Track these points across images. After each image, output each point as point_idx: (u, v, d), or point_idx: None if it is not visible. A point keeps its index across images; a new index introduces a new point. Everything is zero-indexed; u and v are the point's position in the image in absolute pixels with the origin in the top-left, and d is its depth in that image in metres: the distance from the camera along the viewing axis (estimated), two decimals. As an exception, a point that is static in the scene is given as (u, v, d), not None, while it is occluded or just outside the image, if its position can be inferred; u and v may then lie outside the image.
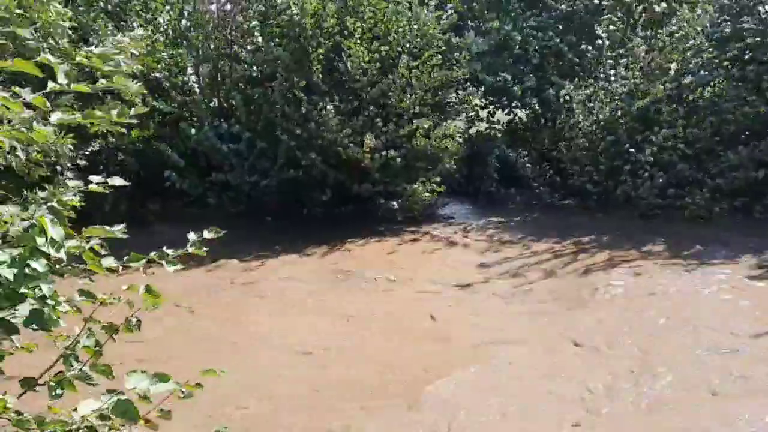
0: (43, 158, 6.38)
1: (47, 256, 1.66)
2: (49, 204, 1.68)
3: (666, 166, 9.10)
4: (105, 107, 2.07)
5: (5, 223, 1.66)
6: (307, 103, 8.51)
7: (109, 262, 2.07)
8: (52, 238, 1.65)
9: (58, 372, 2.18)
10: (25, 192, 6.29)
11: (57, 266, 1.82)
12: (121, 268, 2.16)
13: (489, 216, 9.76)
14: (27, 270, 1.63)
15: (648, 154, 9.04)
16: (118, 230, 2.13)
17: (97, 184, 2.05)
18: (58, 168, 7.27)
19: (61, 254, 1.68)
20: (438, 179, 9.05)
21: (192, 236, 2.29)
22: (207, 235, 2.29)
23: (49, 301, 1.67)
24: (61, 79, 1.91)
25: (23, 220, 1.68)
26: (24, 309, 1.67)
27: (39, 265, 1.62)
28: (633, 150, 9.18)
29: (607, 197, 9.56)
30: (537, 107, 10.70)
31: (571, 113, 9.85)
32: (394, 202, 8.95)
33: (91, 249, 2.00)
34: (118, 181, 2.12)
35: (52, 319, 1.70)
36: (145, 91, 2.65)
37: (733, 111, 8.99)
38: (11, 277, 1.60)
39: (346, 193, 8.89)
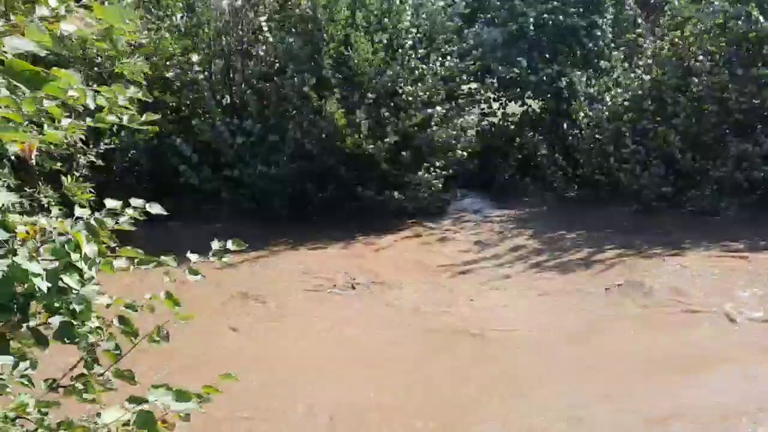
0: (56, 150, 6.43)
1: (80, 271, 1.69)
2: (87, 221, 1.70)
3: (671, 158, 9.02)
4: (111, 90, 2.03)
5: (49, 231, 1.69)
6: (317, 99, 8.50)
7: (120, 263, 2.08)
8: (86, 254, 1.68)
9: (79, 374, 2.22)
10: (39, 184, 6.44)
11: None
12: (132, 268, 2.16)
13: (502, 208, 9.82)
14: (60, 284, 1.66)
15: (648, 144, 9.02)
16: (125, 221, 2.14)
17: (134, 209, 2.06)
18: (73, 163, 7.39)
19: (93, 272, 1.71)
20: (442, 165, 9.05)
21: (215, 245, 2.29)
22: (230, 246, 2.29)
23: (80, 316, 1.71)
24: (90, 103, 1.89)
25: (60, 234, 1.70)
26: (55, 321, 1.71)
27: (72, 280, 1.65)
28: (636, 140, 9.13)
29: (619, 188, 9.50)
30: (549, 98, 10.64)
31: (582, 103, 9.77)
32: (401, 195, 8.85)
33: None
34: (156, 208, 2.13)
35: (81, 334, 1.74)
36: (147, 70, 2.66)
37: (735, 100, 8.78)
38: (45, 290, 1.64)
39: (356, 187, 8.86)
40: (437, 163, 9.09)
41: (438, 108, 8.88)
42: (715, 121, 8.98)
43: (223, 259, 2.26)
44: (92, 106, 1.75)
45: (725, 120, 9.00)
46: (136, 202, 1.96)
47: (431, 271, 7.38)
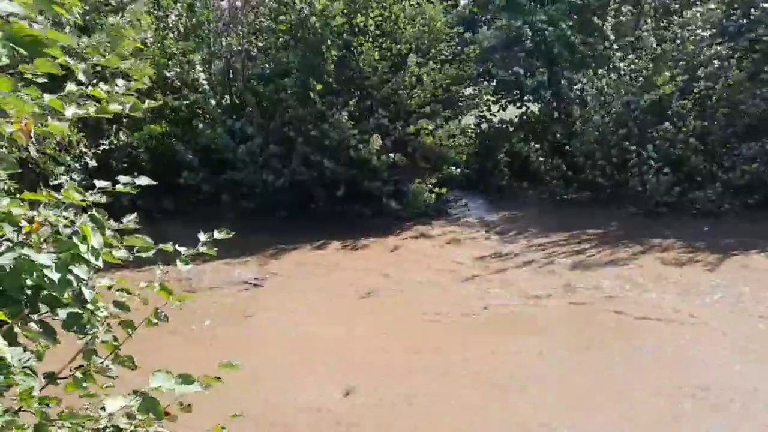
0: (58, 153, 6.43)
1: (88, 262, 1.75)
2: (91, 213, 1.77)
3: (677, 161, 9.09)
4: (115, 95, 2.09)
5: (52, 225, 1.75)
6: (320, 104, 8.51)
7: (121, 253, 2.12)
8: (92, 246, 1.74)
9: (78, 366, 2.27)
10: (40, 186, 6.42)
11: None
12: (131, 258, 2.21)
13: (499, 210, 9.84)
14: (69, 276, 1.72)
15: (656, 149, 9.08)
16: (130, 220, 2.21)
17: (124, 184, 2.12)
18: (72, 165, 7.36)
19: (99, 262, 1.77)
20: (434, 180, 9.08)
21: (202, 236, 2.35)
22: (217, 235, 2.34)
23: (89, 306, 1.77)
24: (82, 77, 1.98)
25: (66, 226, 1.76)
26: (63, 313, 1.76)
27: (81, 271, 1.72)
28: (642, 144, 9.20)
29: (619, 191, 9.57)
30: (550, 100, 10.74)
31: (584, 106, 9.87)
32: (395, 202, 8.91)
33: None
34: (144, 180, 2.19)
35: (90, 324, 1.79)
36: (153, 72, 2.73)
37: (746, 102, 8.98)
38: (56, 280, 1.69)
39: (356, 190, 8.90)
40: (434, 174, 9.13)
41: (431, 122, 8.87)
42: (724, 123, 9.07)
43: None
44: (83, 79, 1.80)
45: (734, 123, 9.11)
46: (124, 178, 2.02)
47: (433, 271, 7.43)
